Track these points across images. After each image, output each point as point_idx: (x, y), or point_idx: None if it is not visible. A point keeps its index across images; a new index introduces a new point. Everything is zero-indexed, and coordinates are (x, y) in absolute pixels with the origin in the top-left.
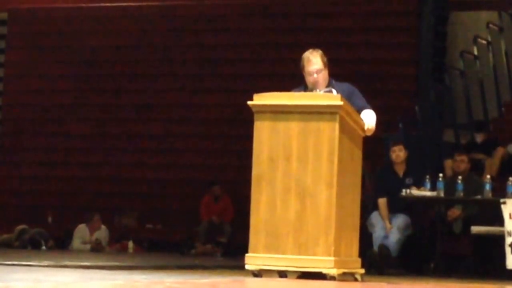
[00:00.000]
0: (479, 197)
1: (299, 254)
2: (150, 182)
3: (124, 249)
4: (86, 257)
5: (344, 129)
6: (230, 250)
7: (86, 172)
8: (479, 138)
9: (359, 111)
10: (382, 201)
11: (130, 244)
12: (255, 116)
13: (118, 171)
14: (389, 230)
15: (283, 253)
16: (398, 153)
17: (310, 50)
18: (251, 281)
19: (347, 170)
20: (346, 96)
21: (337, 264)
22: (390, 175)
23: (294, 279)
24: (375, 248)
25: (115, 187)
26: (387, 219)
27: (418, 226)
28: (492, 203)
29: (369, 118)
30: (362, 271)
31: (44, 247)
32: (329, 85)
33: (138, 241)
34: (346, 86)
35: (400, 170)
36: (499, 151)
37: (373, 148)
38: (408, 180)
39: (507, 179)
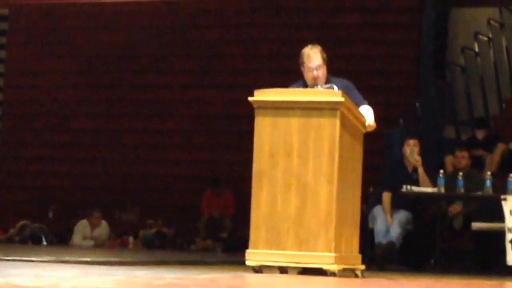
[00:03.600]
0: (479, 193)
1: (300, 250)
2: (150, 177)
3: (124, 245)
4: (87, 253)
5: (345, 125)
6: (231, 246)
7: (87, 167)
8: (480, 134)
9: (356, 106)
10: (386, 195)
11: (131, 239)
12: (256, 112)
13: (119, 166)
14: (390, 223)
15: (284, 249)
16: (412, 147)
17: (310, 46)
18: (252, 277)
19: (348, 166)
20: (343, 92)
21: (338, 260)
22: (399, 169)
23: (294, 275)
24: (377, 241)
25: (116, 182)
26: (389, 213)
27: (418, 222)
28: (492, 199)
29: (369, 114)
30: (363, 267)
31: (44, 243)
32: (327, 81)
33: (138, 236)
34: (343, 81)
35: (410, 165)
36: (499, 147)
37: (374, 145)
38: (415, 175)
39: (508, 176)
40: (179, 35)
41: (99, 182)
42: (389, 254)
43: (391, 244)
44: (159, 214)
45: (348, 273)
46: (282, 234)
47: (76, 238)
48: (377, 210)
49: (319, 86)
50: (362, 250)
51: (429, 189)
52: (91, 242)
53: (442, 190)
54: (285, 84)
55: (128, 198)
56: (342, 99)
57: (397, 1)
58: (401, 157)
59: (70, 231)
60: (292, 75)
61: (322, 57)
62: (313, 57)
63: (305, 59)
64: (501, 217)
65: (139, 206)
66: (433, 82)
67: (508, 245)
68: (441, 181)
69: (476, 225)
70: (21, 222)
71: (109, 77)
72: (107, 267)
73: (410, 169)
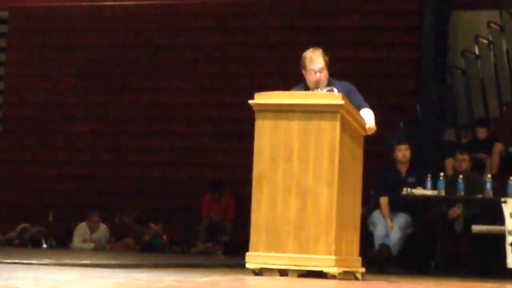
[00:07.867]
0: (480, 196)
1: (300, 252)
2: (150, 180)
3: (124, 248)
4: (87, 256)
5: (345, 128)
6: (231, 249)
7: (87, 170)
8: (482, 133)
9: (357, 109)
10: (384, 200)
11: (131, 242)
12: (256, 115)
13: (119, 169)
14: (391, 228)
15: (284, 252)
16: (405, 152)
17: (311, 49)
18: (252, 279)
19: (348, 169)
20: (344, 94)
21: (338, 263)
22: (393, 173)
23: (294, 278)
24: (376, 246)
25: (116, 185)
26: (388, 217)
27: (419, 225)
28: (493, 202)
29: (369, 117)
30: (363, 270)
31: (44, 246)
32: (329, 83)
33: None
34: (344, 84)
35: (403, 169)
36: (497, 147)
37: (374, 147)
38: (410, 179)
39: (508, 179)
40: (181, 38)
41: (100, 185)
42: (384, 256)
43: (385, 246)
44: (159, 217)
45: (348, 276)
46: (282, 237)
47: (76, 241)
48: (377, 215)
49: (319, 89)
50: (362, 253)
51: (430, 192)
52: (91, 245)
53: (443, 193)
54: (286, 88)
55: (128, 201)
56: (342, 102)
57: (397, 4)
58: (394, 161)
59: (70, 234)
60: (293, 79)
61: (324, 60)
62: (316, 60)
63: (307, 62)
64: (501, 220)
65: (139, 209)
66: (434, 85)
67: (508, 247)
68: (441, 184)
69: (476, 228)
70: (21, 225)
71: (108, 80)
72: (107, 270)
73: (403, 172)
